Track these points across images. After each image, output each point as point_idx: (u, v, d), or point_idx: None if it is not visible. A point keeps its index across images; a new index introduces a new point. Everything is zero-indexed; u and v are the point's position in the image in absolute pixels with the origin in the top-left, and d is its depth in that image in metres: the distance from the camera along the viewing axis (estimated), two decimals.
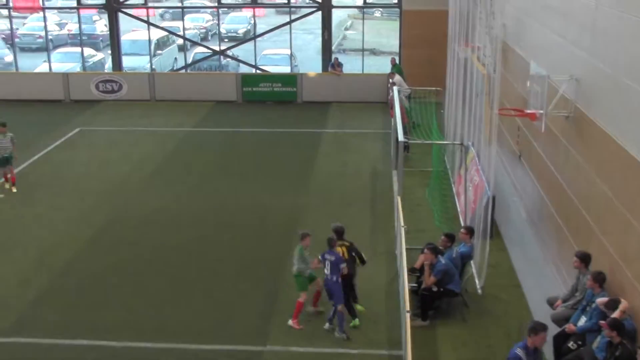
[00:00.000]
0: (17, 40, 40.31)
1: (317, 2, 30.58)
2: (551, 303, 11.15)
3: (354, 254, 13.12)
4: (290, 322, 12.88)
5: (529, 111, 12.33)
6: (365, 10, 34.24)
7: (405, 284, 11.57)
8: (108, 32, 32.81)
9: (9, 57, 37.74)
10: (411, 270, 13.23)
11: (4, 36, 40.34)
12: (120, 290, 14.44)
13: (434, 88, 23.76)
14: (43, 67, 33.72)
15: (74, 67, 32.91)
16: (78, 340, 12.63)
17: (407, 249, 12.98)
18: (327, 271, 12.52)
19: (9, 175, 19.79)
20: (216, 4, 33.95)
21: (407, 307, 10.70)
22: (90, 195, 19.46)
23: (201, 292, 14.31)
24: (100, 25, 42.12)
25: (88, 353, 12.30)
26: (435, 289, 12.84)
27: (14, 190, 19.67)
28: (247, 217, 17.69)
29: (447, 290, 12.92)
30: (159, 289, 14.46)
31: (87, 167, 21.79)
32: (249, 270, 15.10)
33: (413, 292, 12.88)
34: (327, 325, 12.79)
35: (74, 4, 33.64)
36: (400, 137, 15.64)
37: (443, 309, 13.23)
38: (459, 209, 17.52)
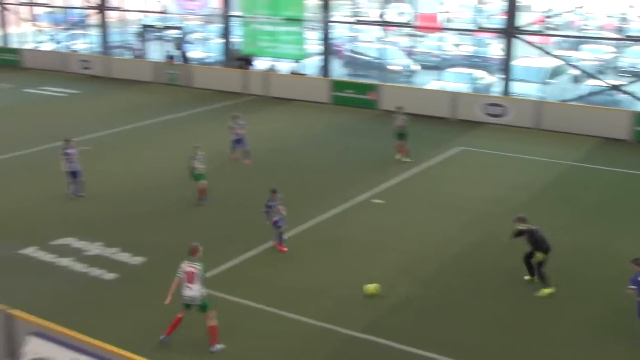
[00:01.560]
0: (414, 57, 42.36)
1: None
2: None
3: None
4: None
5: None
6: None
7: None
8: (500, 57, 32.84)
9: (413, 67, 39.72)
10: None
11: (407, 51, 42.52)
12: (476, 312, 14.18)
13: None
14: (434, 85, 34.89)
15: (463, 87, 33.52)
16: (429, 352, 12.62)
17: None
18: None
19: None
20: (619, 36, 32.03)
21: None
22: (462, 213, 19.48)
23: (551, 328, 13.44)
24: (493, 49, 42.39)
25: None
26: None
27: (407, 160, 23.60)
28: (613, 266, 16.15)
29: None
30: (514, 317, 13.93)
31: (463, 186, 21.89)
32: (610, 319, 13.81)
33: None
34: None
35: (473, 27, 34.29)
36: None
37: None
38: None
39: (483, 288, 15.25)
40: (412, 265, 16.33)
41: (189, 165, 19.92)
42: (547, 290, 14.88)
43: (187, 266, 12.43)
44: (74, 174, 20.32)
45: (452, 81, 34.41)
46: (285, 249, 16.89)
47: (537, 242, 14.91)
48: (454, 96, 30.97)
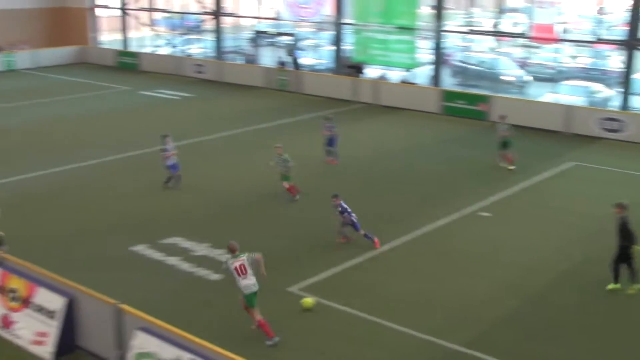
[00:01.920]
0: (528, 68, 41.33)
1: None
2: None
3: None
4: None
5: None
6: None
7: None
8: (620, 69, 31.56)
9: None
10: None
11: (520, 62, 41.53)
12: (583, 330, 13.67)
13: None
14: (548, 97, 33.86)
15: (579, 100, 32.38)
16: None
17: None
18: None
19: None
20: None
21: None
22: (572, 230, 18.80)
23: None
24: (613, 61, 40.84)
25: None
26: None
27: (512, 167, 23.63)
28: None
29: None
30: (623, 336, 13.28)
31: (574, 202, 21.10)
32: None
33: None
34: None
35: (592, 38, 33.13)
36: None
37: None
38: None
39: (590, 306, 14.69)
40: (519, 280, 15.85)
41: (280, 166, 20.98)
42: (612, 286, 15.13)
43: (234, 262, 12.95)
44: (170, 168, 21.66)
45: (568, 94, 33.22)
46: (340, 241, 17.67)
47: (631, 234, 14.85)
48: (569, 109, 29.93)
